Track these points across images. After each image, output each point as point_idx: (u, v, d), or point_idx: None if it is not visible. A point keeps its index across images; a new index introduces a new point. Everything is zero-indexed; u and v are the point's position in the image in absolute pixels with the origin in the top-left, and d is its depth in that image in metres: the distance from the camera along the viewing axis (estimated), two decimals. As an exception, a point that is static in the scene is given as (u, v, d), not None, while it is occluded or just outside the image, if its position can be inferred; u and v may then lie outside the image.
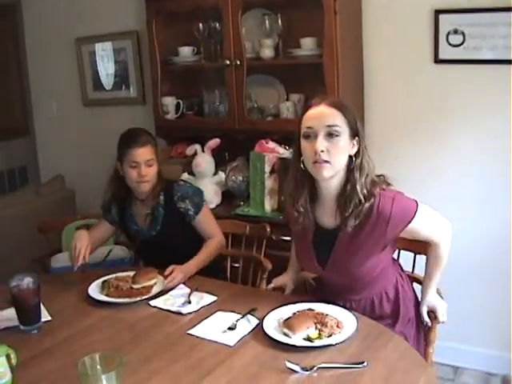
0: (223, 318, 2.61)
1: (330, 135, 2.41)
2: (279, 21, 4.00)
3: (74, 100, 5.65)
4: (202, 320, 2.62)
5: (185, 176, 4.19)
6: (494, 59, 3.70)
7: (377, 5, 4.00)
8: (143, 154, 3.17)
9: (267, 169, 3.91)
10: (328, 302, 2.62)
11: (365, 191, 2.47)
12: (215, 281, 3.15)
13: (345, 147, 2.45)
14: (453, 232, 2.68)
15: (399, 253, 3.04)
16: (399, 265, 2.91)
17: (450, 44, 3.80)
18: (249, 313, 2.62)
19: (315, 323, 2.40)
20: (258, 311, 2.63)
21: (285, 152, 3.90)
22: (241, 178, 4.14)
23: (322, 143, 2.40)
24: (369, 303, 2.72)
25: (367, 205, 2.46)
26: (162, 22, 4.42)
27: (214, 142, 4.17)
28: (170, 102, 4.47)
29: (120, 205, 3.39)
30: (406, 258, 3.05)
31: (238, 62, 4.00)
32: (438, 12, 3.79)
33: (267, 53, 4.02)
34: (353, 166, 2.49)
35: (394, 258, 2.86)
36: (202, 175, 4.17)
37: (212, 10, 4.12)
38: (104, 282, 3.02)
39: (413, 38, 3.93)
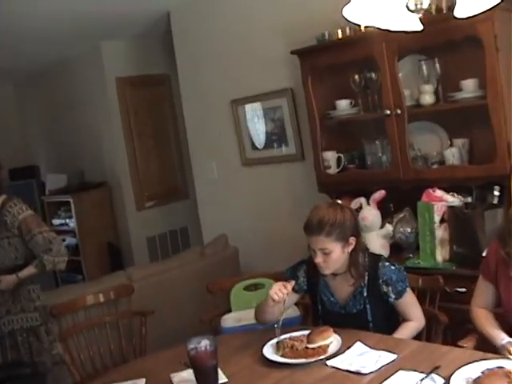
0: (406, 378, 2.50)
1: None
2: (437, 65, 3.89)
3: (232, 160, 5.78)
4: (384, 380, 2.51)
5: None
6: None
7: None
8: (316, 242, 3.06)
9: (436, 218, 3.77)
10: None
11: None
12: (392, 338, 3.03)
13: None
14: None
15: None
16: None
17: None
18: (433, 371, 2.48)
19: (508, 383, 2.24)
20: (442, 369, 2.49)
21: (454, 200, 3.76)
22: (409, 230, 4.00)
23: None
24: None
25: None
26: (317, 77, 4.44)
27: (380, 194, 4.08)
28: (330, 156, 4.45)
29: (309, 272, 3.30)
30: None
31: (399, 111, 3.93)
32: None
33: (427, 99, 3.91)
34: None
35: None
36: (369, 229, 4.08)
37: (367, 61, 4.09)
38: (278, 342, 2.96)
39: None
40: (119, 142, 7.46)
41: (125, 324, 4.02)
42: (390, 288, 3.12)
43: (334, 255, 3.05)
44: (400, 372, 2.55)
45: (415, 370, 2.53)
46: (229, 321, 3.93)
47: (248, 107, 5.51)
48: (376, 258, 3.24)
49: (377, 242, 4.05)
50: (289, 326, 3.21)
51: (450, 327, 3.22)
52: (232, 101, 5.60)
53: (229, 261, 5.44)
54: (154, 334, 4.17)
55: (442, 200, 3.77)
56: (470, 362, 2.48)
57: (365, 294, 3.15)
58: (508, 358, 2.51)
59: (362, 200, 4.12)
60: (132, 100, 7.43)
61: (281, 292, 2.97)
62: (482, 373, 2.36)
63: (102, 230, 7.63)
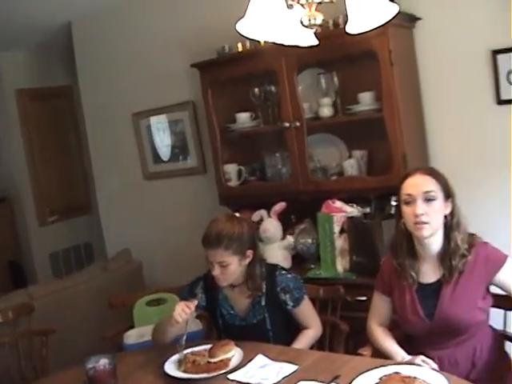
0: (306, 388, 2.51)
1: (427, 200, 2.71)
2: (335, 78, 3.97)
3: (135, 174, 5.73)
4: (283, 393, 2.53)
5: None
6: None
7: (431, 52, 3.93)
8: (215, 255, 3.07)
9: (336, 229, 3.83)
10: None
11: (466, 245, 2.75)
12: (294, 349, 3.05)
13: (440, 209, 2.74)
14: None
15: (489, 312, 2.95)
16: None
17: (511, 83, 3.70)
18: (332, 381, 2.51)
19: (404, 387, 2.29)
20: (342, 378, 2.52)
21: (353, 211, 3.83)
22: (310, 241, 4.06)
23: (421, 207, 2.69)
24: (471, 352, 2.77)
25: (470, 257, 2.73)
26: (218, 91, 4.45)
27: (280, 206, 4.12)
28: (231, 169, 4.47)
29: (208, 287, 3.29)
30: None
31: (298, 124, 3.98)
32: (495, 52, 3.70)
33: (326, 111, 3.99)
34: (450, 224, 2.77)
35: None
36: (270, 240, 4.11)
37: (266, 74, 4.13)
38: (180, 358, 2.94)
39: (472, 82, 3.84)
40: (19, 156, 7.21)
41: (25, 344, 3.90)
42: (288, 295, 3.16)
43: (231, 268, 3.06)
44: (300, 383, 2.56)
45: (315, 380, 2.54)
46: (131, 337, 3.86)
47: (150, 120, 5.47)
48: (273, 267, 3.27)
49: (279, 254, 4.08)
50: (191, 340, 3.19)
51: (352, 336, 3.26)
52: (134, 114, 5.55)
53: (133, 275, 5.37)
54: (58, 352, 4.08)
55: (342, 211, 3.84)
56: (369, 370, 2.52)
57: (263, 304, 3.17)
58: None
59: (263, 212, 4.15)
60: (33, 112, 7.21)
61: (184, 313, 2.95)
62: (380, 379, 2.42)
63: (3, 247, 7.36)
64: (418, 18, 3.92)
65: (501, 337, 2.94)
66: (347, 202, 3.90)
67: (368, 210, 3.85)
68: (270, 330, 3.19)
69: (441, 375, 2.42)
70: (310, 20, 2.33)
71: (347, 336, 3.28)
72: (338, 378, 2.52)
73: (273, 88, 4.19)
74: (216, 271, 3.06)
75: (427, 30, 3.93)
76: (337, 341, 3.31)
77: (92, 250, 7.69)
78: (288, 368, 2.72)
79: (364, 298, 3.51)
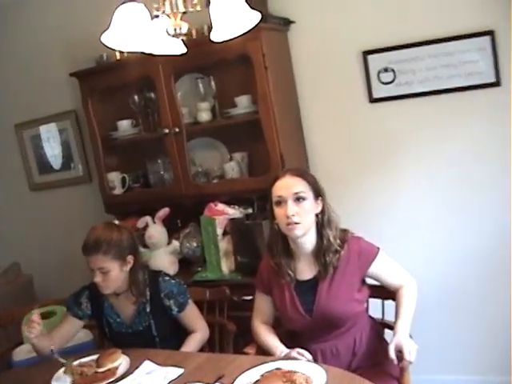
0: (192, 391, 2.55)
1: (298, 200, 2.79)
2: (212, 83, 4.02)
3: (19, 186, 5.60)
4: (171, 395, 2.56)
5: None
6: (426, 91, 3.77)
7: (306, 54, 4.06)
8: (95, 261, 3.06)
9: (219, 231, 3.89)
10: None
11: (338, 241, 2.85)
12: (181, 352, 3.09)
13: (311, 208, 2.83)
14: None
15: (368, 301, 3.08)
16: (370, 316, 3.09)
17: (382, 82, 3.87)
18: (216, 381, 2.56)
19: (284, 382, 2.35)
20: (226, 377, 2.57)
21: (235, 212, 3.91)
22: (195, 244, 4.11)
23: (292, 208, 2.77)
24: (351, 343, 2.88)
25: (342, 252, 2.84)
26: (98, 99, 4.44)
27: (164, 212, 4.15)
28: (115, 177, 4.46)
29: (93, 296, 3.27)
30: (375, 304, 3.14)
31: (177, 130, 4.02)
32: (365, 53, 3.86)
33: (204, 116, 4.04)
34: (322, 222, 2.86)
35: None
36: (156, 246, 4.14)
37: (146, 81, 4.15)
38: (65, 370, 2.90)
39: (346, 82, 3.99)
40: None
41: None
42: (172, 301, 3.19)
43: (112, 274, 3.07)
44: (186, 385, 2.61)
45: (201, 382, 2.58)
46: (21, 354, 3.78)
47: (33, 131, 5.37)
48: (156, 273, 3.30)
49: (165, 259, 4.11)
50: (80, 351, 3.18)
51: (242, 334, 3.31)
52: (16, 125, 5.43)
53: (23, 290, 5.25)
54: None
55: (224, 213, 3.90)
56: (252, 367, 2.58)
57: (148, 310, 3.19)
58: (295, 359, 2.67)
59: (148, 219, 4.17)
60: None
61: (33, 328, 2.98)
62: (262, 375, 2.47)
63: None
64: (292, 22, 4.03)
65: (379, 325, 3.08)
66: (230, 204, 3.97)
67: (250, 210, 3.93)
68: (157, 336, 3.21)
69: (319, 367, 2.50)
70: (175, 29, 2.38)
71: (236, 335, 3.34)
72: (222, 378, 2.57)
73: (152, 95, 4.21)
74: (98, 278, 3.06)
75: (301, 33, 4.05)
76: (226, 341, 3.36)
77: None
78: (174, 372, 2.75)
79: (250, 298, 3.52)
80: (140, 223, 4.19)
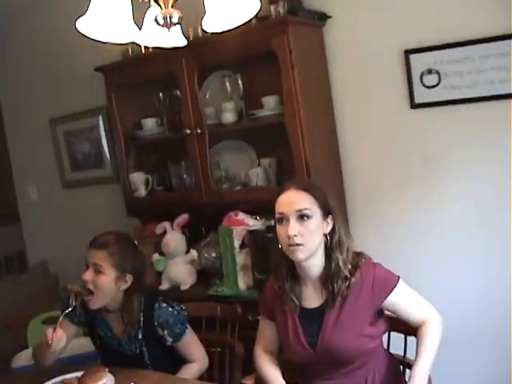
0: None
1: (301, 218, 2.44)
2: (239, 81, 3.71)
3: (53, 183, 5.47)
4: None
5: (155, 257, 3.91)
6: (475, 97, 3.36)
7: (342, 53, 3.70)
8: (94, 255, 2.84)
9: (236, 243, 3.57)
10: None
11: (349, 266, 2.48)
12: (173, 378, 2.82)
13: (317, 228, 2.47)
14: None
15: (389, 335, 2.74)
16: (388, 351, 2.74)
17: (425, 86, 3.48)
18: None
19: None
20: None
21: (255, 223, 3.57)
22: (214, 255, 3.80)
23: (293, 227, 2.43)
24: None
25: (353, 279, 2.46)
26: (123, 95, 4.18)
27: (183, 219, 3.87)
28: (138, 178, 4.20)
29: (86, 305, 2.98)
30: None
31: (199, 131, 3.71)
32: (407, 52, 3.49)
33: (228, 117, 3.72)
34: (331, 244, 2.51)
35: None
36: (173, 255, 3.87)
37: (170, 78, 3.86)
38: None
39: (385, 84, 3.62)
40: None
41: None
42: (166, 331, 2.91)
43: (103, 279, 2.81)
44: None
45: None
46: (21, 359, 3.62)
47: (67, 126, 5.19)
48: (153, 298, 2.99)
49: (182, 269, 3.85)
50: (82, 362, 2.94)
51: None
52: (51, 120, 5.28)
53: (48, 290, 5.09)
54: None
55: (243, 224, 3.57)
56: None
57: (140, 337, 2.92)
58: None
59: (167, 224, 3.90)
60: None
61: (57, 339, 2.69)
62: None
63: None
64: (328, 16, 3.69)
65: (399, 364, 2.70)
66: (254, 214, 3.64)
67: (273, 222, 3.59)
68: (150, 364, 2.94)
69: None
70: (165, 18, 2.07)
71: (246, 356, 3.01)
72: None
73: (178, 92, 3.92)
74: (88, 274, 2.82)
75: (337, 29, 3.71)
76: (234, 364, 3.08)
77: (27, 260, 7.36)
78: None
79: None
80: (158, 229, 3.92)
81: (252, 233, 3.54)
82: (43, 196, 5.63)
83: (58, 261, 5.31)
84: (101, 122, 4.90)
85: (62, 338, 2.71)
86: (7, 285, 5.04)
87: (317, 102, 3.60)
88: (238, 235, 3.56)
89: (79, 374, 2.74)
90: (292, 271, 2.59)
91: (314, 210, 2.46)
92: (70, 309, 2.84)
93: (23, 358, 3.60)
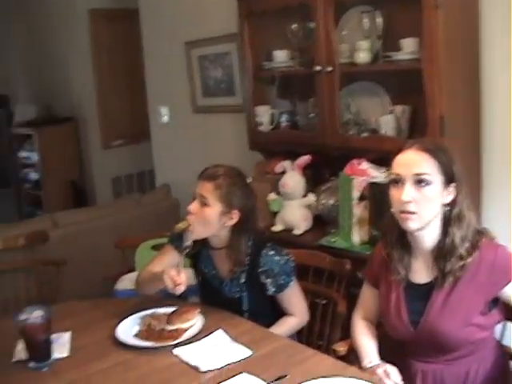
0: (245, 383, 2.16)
1: (419, 183, 2.20)
2: (378, 18, 3.40)
3: (184, 106, 5.42)
4: (221, 382, 2.18)
5: (271, 196, 3.74)
6: None
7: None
8: (202, 186, 2.76)
9: (355, 194, 3.32)
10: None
11: (467, 245, 2.23)
12: (263, 330, 2.64)
13: (436, 196, 2.22)
14: None
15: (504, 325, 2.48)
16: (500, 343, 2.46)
17: None
18: (274, 381, 2.13)
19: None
20: (288, 379, 2.14)
21: (378, 175, 3.29)
22: (332, 202, 3.58)
23: (408, 193, 2.20)
24: (463, 374, 2.30)
25: (470, 260, 2.21)
26: (256, 23, 3.97)
27: (304, 160, 3.68)
28: (263, 112, 4.02)
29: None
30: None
31: (330, 69, 3.47)
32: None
33: (362, 57, 3.42)
34: (449, 216, 2.25)
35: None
36: (289, 196, 3.69)
37: (307, 8, 3.60)
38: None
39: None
40: (88, 77, 7.17)
41: (39, 272, 3.77)
42: (270, 280, 2.78)
43: (207, 212, 2.72)
44: (242, 375, 2.22)
45: (258, 376, 2.18)
46: (124, 282, 3.60)
47: (201, 50, 5.07)
48: (261, 243, 2.84)
49: (297, 212, 3.68)
50: (183, 296, 2.86)
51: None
52: (186, 43, 5.18)
53: (167, 213, 5.11)
54: (70, 283, 3.89)
55: (366, 174, 3.32)
56: (323, 376, 2.12)
57: (242, 281, 2.81)
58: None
59: (286, 164, 3.73)
60: (104, 34, 7.07)
61: (177, 285, 2.60)
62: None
63: (67, 167, 7.34)
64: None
65: (510, 358, 2.44)
66: (379, 164, 3.37)
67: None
68: (246, 312, 2.83)
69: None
70: None
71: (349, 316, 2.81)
72: (282, 379, 2.14)
73: (313, 25, 3.65)
74: (194, 205, 2.75)
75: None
76: (335, 322, 2.93)
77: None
78: (239, 354, 2.37)
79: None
80: (278, 168, 3.76)
81: (373, 185, 3.28)
82: (173, 119, 5.63)
83: (181, 184, 5.28)
84: (235, 49, 4.72)
85: (185, 282, 2.62)
86: (129, 203, 5.13)
87: (461, 51, 3.22)
88: (358, 185, 3.30)
89: (170, 309, 2.68)
90: (403, 239, 2.37)
91: (435, 176, 2.21)
92: (187, 250, 2.75)
93: (127, 281, 3.58)
